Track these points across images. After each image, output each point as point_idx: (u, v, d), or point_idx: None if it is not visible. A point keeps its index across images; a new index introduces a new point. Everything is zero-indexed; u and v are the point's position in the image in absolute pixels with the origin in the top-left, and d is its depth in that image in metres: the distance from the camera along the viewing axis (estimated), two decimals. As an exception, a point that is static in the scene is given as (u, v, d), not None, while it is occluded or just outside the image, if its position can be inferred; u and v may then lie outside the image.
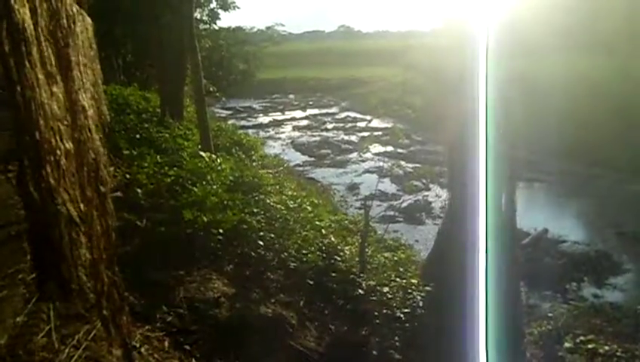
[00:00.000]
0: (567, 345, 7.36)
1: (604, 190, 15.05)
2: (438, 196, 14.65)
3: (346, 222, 9.26)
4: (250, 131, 23.28)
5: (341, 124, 29.05)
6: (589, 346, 7.30)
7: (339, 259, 5.91)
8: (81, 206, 2.25)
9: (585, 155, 17.10)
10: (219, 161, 7.43)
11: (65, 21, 2.28)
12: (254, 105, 36.89)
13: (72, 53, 2.34)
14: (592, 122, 18.05)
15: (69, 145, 2.14)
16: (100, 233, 2.41)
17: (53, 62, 2.22)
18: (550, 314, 8.45)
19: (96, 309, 2.65)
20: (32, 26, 2.05)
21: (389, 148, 20.17)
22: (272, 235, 5.87)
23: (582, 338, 7.53)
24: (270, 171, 10.18)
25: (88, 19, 3.35)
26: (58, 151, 2.06)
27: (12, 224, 4.56)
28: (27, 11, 2.03)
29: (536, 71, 16.55)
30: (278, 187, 7.99)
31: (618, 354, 7.10)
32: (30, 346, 2.99)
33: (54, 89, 2.18)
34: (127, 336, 2.90)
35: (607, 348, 7.24)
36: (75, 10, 2.45)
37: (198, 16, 18.65)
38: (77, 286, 2.24)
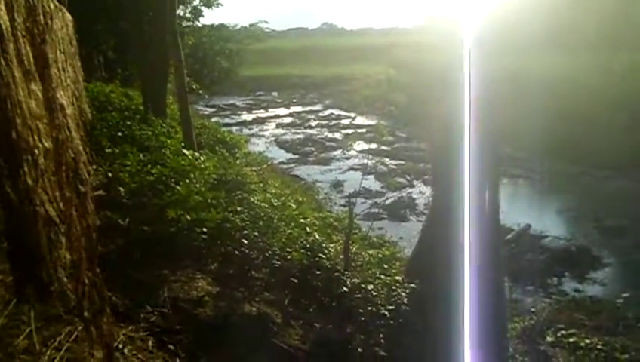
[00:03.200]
0: (549, 339, 7.47)
1: (587, 186, 15.29)
2: (422, 193, 14.76)
3: (331, 219, 9.27)
4: (233, 129, 23.20)
5: (325, 122, 29.09)
6: (571, 340, 7.41)
7: (323, 256, 5.90)
8: (61, 206, 2.21)
9: (569, 152, 17.34)
10: (202, 158, 7.37)
11: (42, 17, 2.23)
12: (238, 103, 36.75)
13: (49, 51, 2.29)
14: (576, 119, 18.31)
15: (48, 144, 2.10)
16: (81, 233, 2.37)
17: (31, 60, 2.17)
18: (533, 309, 8.57)
19: (77, 310, 2.61)
20: (7, 22, 2.00)
21: (373, 146, 20.28)
22: (256, 233, 5.84)
23: (563, 332, 7.64)
24: (254, 169, 10.14)
25: (68, 16, 3.28)
26: (36, 151, 2.01)
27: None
28: (2, 7, 1.98)
29: (521, 68, 16.71)
30: (262, 185, 7.97)
31: (599, 347, 7.22)
32: (10, 349, 2.94)
33: (32, 87, 2.13)
34: (109, 337, 2.86)
35: (587, 341, 7.35)
36: (52, 6, 2.40)
37: (181, 14, 18.53)
38: (57, 288, 2.19)
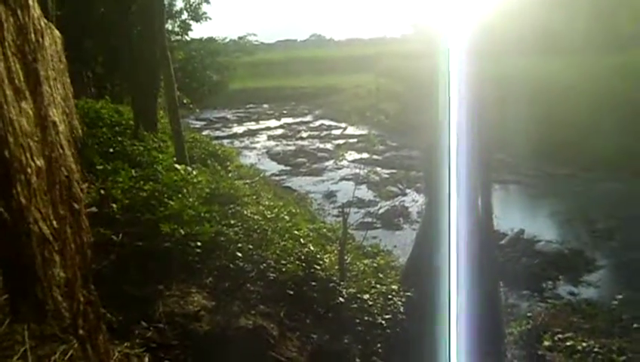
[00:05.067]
0: (546, 343, 7.48)
1: (577, 189, 15.39)
2: (414, 201, 14.79)
3: (325, 230, 9.26)
4: (225, 141, 23.18)
5: (316, 133, 29.12)
6: (568, 343, 7.43)
7: (318, 267, 5.90)
8: (55, 224, 2.20)
9: (559, 156, 17.49)
10: (194, 173, 7.36)
11: (33, 35, 2.24)
12: (228, 116, 36.77)
13: (41, 68, 2.29)
14: (565, 123, 18.48)
15: (40, 162, 2.09)
16: (75, 251, 2.36)
17: (22, 78, 2.17)
18: (529, 314, 8.58)
19: (73, 329, 2.58)
20: (-3, 42, 2.00)
21: (365, 155, 20.25)
22: (251, 246, 5.82)
23: (560, 336, 7.66)
24: (246, 181, 10.12)
25: (57, 32, 3.29)
26: (29, 170, 2.01)
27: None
28: (-7, 27, 1.99)
29: (508, 73, 16.88)
30: (254, 197, 7.95)
31: (596, 349, 7.24)
32: (4, 369, 2.90)
33: (23, 105, 2.13)
34: (105, 355, 2.84)
35: (584, 344, 7.37)
36: (43, 24, 2.41)
37: (170, 28, 18.57)
38: (52, 307, 2.18)
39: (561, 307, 9.04)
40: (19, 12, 2.13)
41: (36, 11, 2.30)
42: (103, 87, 17.51)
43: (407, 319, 5.42)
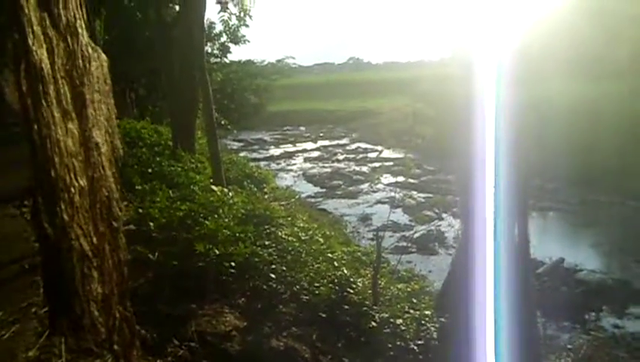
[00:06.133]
0: (587, 378, 7.18)
1: (621, 218, 14.86)
2: (450, 226, 14.53)
3: (359, 253, 9.20)
4: (261, 163, 23.43)
5: (352, 155, 29.15)
6: (610, 378, 7.11)
7: (351, 291, 5.86)
8: (94, 241, 2.28)
9: (601, 183, 16.93)
10: (231, 194, 7.47)
11: (81, 61, 2.35)
12: (266, 138, 37.21)
13: (87, 92, 2.40)
14: (607, 149, 17.94)
15: (83, 182, 2.18)
16: (112, 267, 2.43)
17: (69, 100, 2.28)
18: (569, 346, 8.26)
19: (108, 344, 2.64)
20: (49, 66, 2.12)
21: (401, 179, 20.16)
22: (284, 268, 5.84)
23: (602, 370, 7.34)
24: (282, 203, 10.20)
25: (103, 56, 3.44)
26: (72, 189, 2.09)
27: (26, 257, 4.62)
28: (44, 52, 2.10)
29: (548, 98, 16.56)
30: (289, 219, 7.99)
31: (640, 386, 6.91)
32: (42, 382, 2.98)
33: (70, 126, 2.23)
34: (138, 371, 2.89)
35: (628, 380, 7.05)
36: (90, 50, 2.53)
37: (210, 50, 19.03)
38: (89, 321, 2.24)
39: (604, 340, 8.67)
40: (69, 39, 2.25)
41: (84, 38, 2.42)
42: (145, 108, 18.04)
43: (440, 345, 5.31)
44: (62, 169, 2.05)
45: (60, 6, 2.25)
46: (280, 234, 6.58)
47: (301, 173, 24.78)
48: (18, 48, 2.01)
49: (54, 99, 2.14)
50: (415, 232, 14.09)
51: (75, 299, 2.18)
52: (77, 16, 2.36)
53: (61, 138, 2.08)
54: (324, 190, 20.93)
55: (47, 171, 1.99)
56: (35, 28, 2.06)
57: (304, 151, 31.91)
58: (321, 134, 39.14)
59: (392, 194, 16.32)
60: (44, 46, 2.10)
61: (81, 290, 2.18)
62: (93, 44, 2.87)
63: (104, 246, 2.36)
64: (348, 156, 29.03)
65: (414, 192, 18.25)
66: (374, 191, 19.30)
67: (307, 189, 20.74)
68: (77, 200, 2.11)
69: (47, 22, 2.20)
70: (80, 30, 2.36)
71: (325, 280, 5.88)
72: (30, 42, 2.03)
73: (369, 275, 6.74)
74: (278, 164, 27.50)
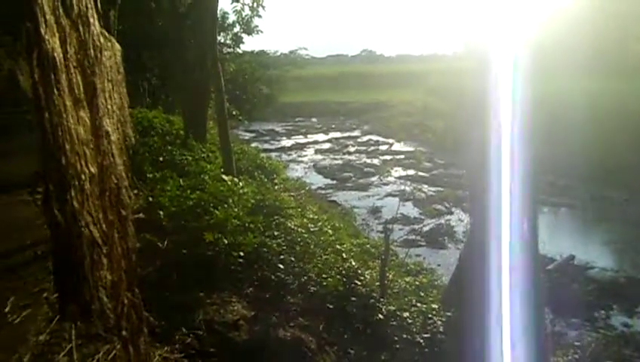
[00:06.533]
0: (594, 375, 7.14)
1: (634, 215, 14.70)
2: (460, 220, 14.49)
3: (368, 245, 9.21)
4: (273, 154, 23.47)
5: (363, 148, 29.12)
6: (618, 377, 7.07)
7: (359, 283, 5.88)
8: (104, 228, 2.31)
9: (613, 180, 16.77)
10: (241, 184, 7.50)
11: (92, 51, 2.37)
12: (277, 128, 37.24)
13: (98, 81, 2.42)
14: (620, 146, 17.75)
15: (93, 169, 2.21)
16: (121, 255, 2.46)
17: (81, 89, 2.30)
18: (577, 343, 8.22)
19: (116, 330, 2.69)
20: (61, 55, 2.14)
21: (411, 172, 20.13)
22: (293, 258, 5.87)
23: (610, 368, 7.30)
24: (292, 194, 10.22)
25: (117, 46, 3.47)
26: (83, 176, 2.12)
27: (39, 244, 4.69)
28: (57, 40, 2.13)
29: (563, 93, 16.39)
30: (299, 210, 8.01)
31: (648, 385, 6.87)
32: (52, 365, 3.04)
33: (81, 113, 2.26)
34: (145, 357, 2.92)
35: (636, 379, 7.00)
36: (102, 39, 2.55)
37: (222, 40, 19.01)
38: (98, 307, 2.28)
39: (613, 338, 8.61)
40: (81, 28, 2.27)
41: (96, 28, 2.44)
42: (158, 98, 18.11)
43: (446, 339, 5.32)
44: (72, 156, 2.07)
45: (73, -5, 2.27)
46: (289, 224, 6.60)
47: (312, 164, 24.80)
48: (31, 37, 2.04)
49: (66, 87, 2.16)
50: (424, 226, 14.07)
51: (84, 285, 2.22)
52: (89, 5, 2.38)
53: (72, 126, 2.10)
54: (334, 182, 20.94)
55: (58, 158, 2.02)
56: (47, 17, 2.08)
57: (315, 142, 31.91)
58: (333, 126, 39.10)
59: (403, 187, 16.26)
60: (57, 35, 2.12)
61: (90, 277, 2.22)
62: (106, 34, 2.89)
63: (113, 234, 2.39)
64: (359, 148, 29.00)
65: (425, 185, 18.22)
66: (385, 184, 19.27)
67: (318, 181, 20.77)
68: (87, 187, 2.14)
69: (60, 11, 2.23)
70: (92, 19, 2.38)
71: (333, 272, 5.90)
72: (43, 31, 2.05)
73: (377, 267, 6.76)
74: (289, 155, 27.54)
